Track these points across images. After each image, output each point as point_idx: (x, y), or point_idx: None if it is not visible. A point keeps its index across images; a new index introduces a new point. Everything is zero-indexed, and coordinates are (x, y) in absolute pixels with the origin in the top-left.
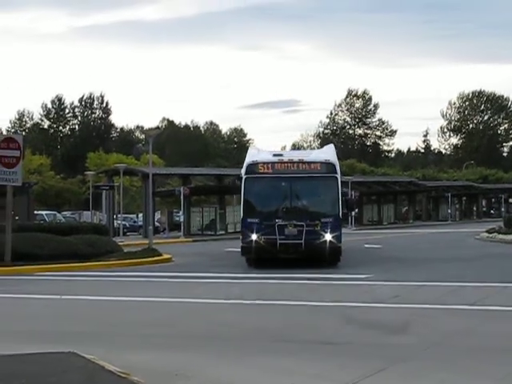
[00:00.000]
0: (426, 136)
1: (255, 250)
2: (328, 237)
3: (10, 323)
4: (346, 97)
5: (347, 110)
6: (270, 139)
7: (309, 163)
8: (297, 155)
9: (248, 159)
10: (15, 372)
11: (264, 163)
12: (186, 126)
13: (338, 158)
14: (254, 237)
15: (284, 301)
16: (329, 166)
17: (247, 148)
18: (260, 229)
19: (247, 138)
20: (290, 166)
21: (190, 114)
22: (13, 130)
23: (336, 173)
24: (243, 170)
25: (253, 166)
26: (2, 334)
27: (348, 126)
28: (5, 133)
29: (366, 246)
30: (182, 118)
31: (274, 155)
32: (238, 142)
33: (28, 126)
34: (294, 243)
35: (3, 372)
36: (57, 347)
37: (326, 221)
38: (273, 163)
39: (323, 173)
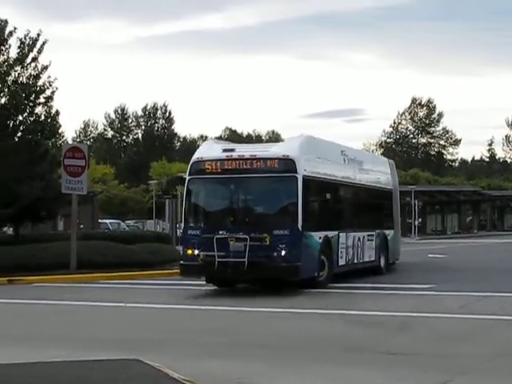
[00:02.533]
0: (490, 145)
1: (195, 270)
2: (280, 254)
3: (76, 330)
4: (410, 105)
5: (410, 118)
6: None
7: (263, 160)
8: (251, 150)
9: (194, 156)
10: (80, 378)
11: (211, 161)
12: (249, 136)
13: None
14: (194, 253)
15: (345, 310)
16: (287, 162)
17: None
18: (201, 243)
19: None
20: (240, 164)
21: (252, 123)
22: (78, 140)
23: (296, 172)
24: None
25: (197, 165)
26: (68, 341)
27: (411, 135)
28: (70, 142)
29: (430, 255)
30: (244, 127)
31: (224, 150)
32: None
33: (92, 135)
34: (235, 262)
35: (68, 378)
36: (121, 354)
37: (279, 233)
38: (221, 161)
39: (279, 172)
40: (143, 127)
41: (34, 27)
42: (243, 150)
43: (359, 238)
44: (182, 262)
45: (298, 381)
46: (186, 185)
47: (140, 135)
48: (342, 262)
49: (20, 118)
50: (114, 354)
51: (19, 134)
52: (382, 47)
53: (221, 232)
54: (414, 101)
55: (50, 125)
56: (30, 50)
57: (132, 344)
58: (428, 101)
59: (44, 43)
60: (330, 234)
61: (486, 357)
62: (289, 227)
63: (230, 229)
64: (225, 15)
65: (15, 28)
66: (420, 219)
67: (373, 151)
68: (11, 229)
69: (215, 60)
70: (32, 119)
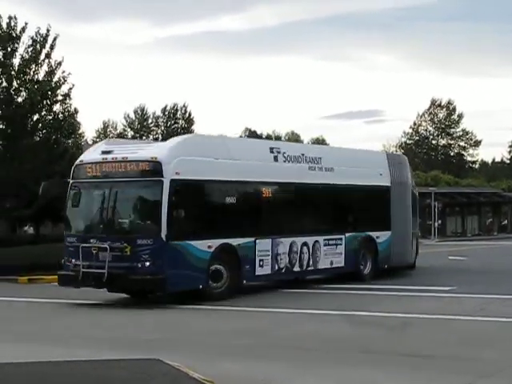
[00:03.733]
0: (511, 146)
1: (67, 280)
2: (144, 266)
3: (95, 330)
4: (430, 107)
5: (430, 120)
6: None
7: (134, 163)
8: (126, 151)
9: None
10: (101, 377)
11: (90, 164)
12: (268, 136)
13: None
14: (68, 262)
15: (364, 311)
16: (155, 165)
17: None
18: (74, 252)
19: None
20: (113, 167)
21: (271, 123)
22: (98, 140)
23: (162, 175)
24: None
25: (78, 168)
26: (90, 341)
27: (431, 137)
28: (90, 142)
29: (450, 257)
30: (263, 128)
31: (103, 152)
32: None
33: (112, 135)
34: (97, 273)
35: (90, 377)
36: (141, 354)
37: (143, 243)
38: (98, 163)
39: (146, 176)
40: (163, 128)
41: (55, 28)
42: (120, 152)
43: (306, 244)
44: (59, 271)
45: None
46: (68, 189)
47: (160, 136)
48: (264, 270)
49: (37, 116)
50: (134, 354)
51: (38, 132)
52: (401, 48)
53: (90, 240)
54: (433, 102)
55: (69, 123)
56: (43, 47)
57: (152, 344)
58: (448, 102)
59: (55, 38)
60: (236, 241)
61: (507, 361)
62: (152, 236)
63: (98, 237)
64: (244, 16)
65: (26, 23)
66: (440, 221)
67: (392, 152)
68: (32, 228)
69: (235, 60)
70: (50, 118)
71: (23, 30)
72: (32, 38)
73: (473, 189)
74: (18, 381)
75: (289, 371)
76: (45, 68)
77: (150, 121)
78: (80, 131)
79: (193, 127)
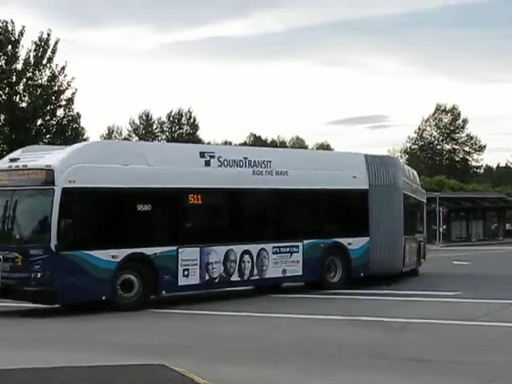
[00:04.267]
0: None
1: None
2: (36, 277)
3: (99, 335)
4: (435, 112)
5: (435, 125)
6: None
7: (32, 171)
8: (29, 159)
9: None
10: (106, 382)
11: (1, 171)
12: (273, 142)
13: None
14: None
15: (369, 316)
16: (48, 173)
17: None
18: None
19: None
20: (16, 175)
21: (276, 129)
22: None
23: (54, 183)
24: None
25: None
26: (93, 346)
27: (436, 142)
28: None
29: (455, 262)
30: (268, 133)
31: (10, 160)
32: None
33: (117, 141)
34: None
35: (95, 382)
36: (146, 359)
37: (33, 253)
38: (5, 171)
39: (40, 184)
40: (168, 133)
41: (61, 34)
42: (24, 159)
43: (248, 252)
44: None
45: None
46: None
47: (165, 141)
48: (190, 280)
49: (40, 121)
50: (138, 359)
51: (42, 137)
52: (406, 54)
53: None
54: (438, 107)
55: (72, 128)
56: (44, 52)
57: (156, 349)
58: (453, 107)
59: (57, 42)
60: (152, 250)
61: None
62: (43, 247)
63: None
64: (249, 22)
65: (23, 27)
66: (445, 226)
67: (397, 158)
68: None
69: (240, 66)
70: (54, 122)
71: (21, 33)
72: (35, 42)
73: (478, 194)
74: None
75: (294, 376)
76: (47, 73)
77: (154, 126)
78: (85, 136)
79: (198, 133)
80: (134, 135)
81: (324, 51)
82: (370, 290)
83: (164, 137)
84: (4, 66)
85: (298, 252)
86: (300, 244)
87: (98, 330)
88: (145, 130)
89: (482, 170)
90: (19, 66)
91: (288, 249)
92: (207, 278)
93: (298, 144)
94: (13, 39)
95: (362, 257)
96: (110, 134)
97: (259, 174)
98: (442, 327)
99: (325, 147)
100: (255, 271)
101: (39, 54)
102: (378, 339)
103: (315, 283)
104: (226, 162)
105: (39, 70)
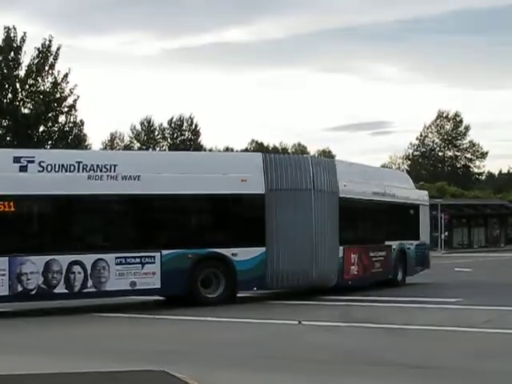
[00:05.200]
0: None
1: None
2: None
3: (101, 341)
4: (436, 118)
5: (437, 131)
6: (359, 161)
7: None
8: None
9: None
10: None
11: None
12: (275, 148)
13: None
14: None
15: (373, 323)
16: None
17: None
18: None
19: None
20: None
21: (278, 135)
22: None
23: None
24: None
25: None
26: (93, 352)
27: (438, 148)
28: None
29: (456, 269)
30: (270, 140)
31: None
32: None
33: (119, 147)
34: None
35: None
36: (146, 366)
37: None
38: None
39: None
40: (169, 139)
41: (63, 41)
42: None
43: (78, 262)
44: None
45: None
46: None
47: (166, 147)
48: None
49: (43, 127)
50: (139, 366)
51: (44, 144)
52: (407, 60)
53: None
54: (440, 114)
55: (75, 134)
56: (46, 58)
57: (156, 355)
58: (455, 114)
59: (58, 49)
60: None
61: None
62: None
63: None
64: (251, 28)
65: (25, 33)
66: (446, 233)
67: (399, 164)
68: None
69: (241, 73)
70: (56, 129)
71: (23, 39)
72: (38, 49)
73: (479, 200)
74: None
75: (296, 382)
76: (50, 79)
77: (156, 133)
78: (87, 143)
79: (199, 139)
80: (135, 141)
81: (326, 58)
82: (371, 296)
83: (166, 143)
84: (6, 71)
85: (153, 263)
86: (156, 254)
87: (97, 337)
88: (146, 136)
89: (483, 177)
90: (22, 73)
91: (138, 259)
92: (20, 289)
93: (300, 150)
94: (15, 45)
95: (254, 269)
96: (112, 140)
97: (97, 179)
98: (442, 334)
99: (326, 154)
100: (90, 283)
101: (41, 61)
102: (379, 346)
103: (184, 298)
104: (49, 167)
105: (42, 77)
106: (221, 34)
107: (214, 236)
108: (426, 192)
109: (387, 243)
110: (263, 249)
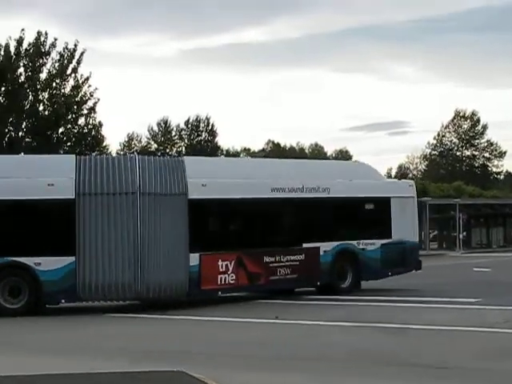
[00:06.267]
0: None
1: None
2: None
3: (119, 341)
4: (454, 118)
5: (454, 131)
6: (376, 161)
7: None
8: None
9: None
10: None
11: None
12: (292, 148)
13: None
14: None
15: (386, 323)
16: None
17: None
18: None
19: (353, 159)
20: None
21: (295, 136)
22: (122, 153)
23: None
24: None
25: None
26: (112, 353)
27: (455, 148)
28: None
29: (475, 269)
30: (287, 140)
31: None
32: None
33: (136, 148)
34: None
35: None
36: (164, 366)
37: None
38: None
39: None
40: (186, 140)
41: (81, 43)
42: None
43: None
44: None
45: None
46: None
47: (183, 148)
48: None
49: (61, 129)
50: (157, 366)
51: (63, 145)
52: (425, 59)
53: None
54: (457, 113)
55: (94, 136)
56: (70, 62)
57: (174, 355)
58: (472, 113)
59: (82, 54)
60: None
61: None
62: None
63: None
64: (267, 28)
65: (55, 39)
66: (465, 233)
67: (417, 164)
68: None
69: (258, 73)
70: (75, 131)
71: (53, 45)
72: (60, 53)
73: (498, 200)
74: None
75: (311, 382)
76: (71, 82)
77: (173, 133)
78: (104, 144)
79: (216, 140)
80: (152, 142)
81: (343, 57)
82: (390, 296)
83: (183, 144)
84: (30, 74)
85: None
86: None
87: (114, 337)
88: (163, 137)
89: (502, 176)
90: (43, 76)
91: None
92: None
93: (317, 151)
94: (43, 50)
95: (62, 280)
96: (129, 141)
97: None
98: (461, 334)
99: (343, 154)
100: None
101: (64, 64)
102: (394, 346)
103: None
104: None
105: (63, 80)
106: (237, 34)
107: (15, 244)
108: (407, 183)
109: (308, 245)
110: (72, 258)
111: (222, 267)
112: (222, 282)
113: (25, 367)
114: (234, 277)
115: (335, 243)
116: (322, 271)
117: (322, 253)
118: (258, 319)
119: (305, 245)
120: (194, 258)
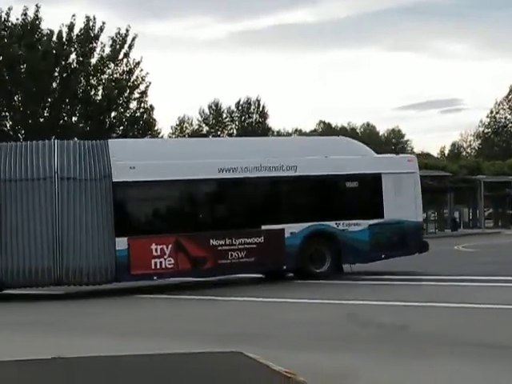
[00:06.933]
0: None
1: None
2: None
3: (173, 323)
4: (508, 94)
5: (509, 107)
6: (429, 139)
7: None
8: None
9: None
10: (182, 370)
11: None
12: (343, 128)
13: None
14: None
15: (447, 303)
16: None
17: (405, 149)
18: None
19: (405, 138)
20: None
21: (346, 116)
22: (174, 136)
23: None
24: None
25: None
26: (167, 334)
27: (510, 125)
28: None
29: None
30: (338, 120)
31: None
32: (395, 144)
33: (188, 131)
34: None
35: (169, 369)
36: (223, 347)
37: None
38: None
39: None
40: (237, 122)
41: (128, 26)
42: None
43: None
44: None
45: (407, 375)
46: None
47: (235, 130)
48: None
49: (114, 113)
50: (214, 347)
51: (115, 129)
52: (477, 36)
53: None
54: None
55: (146, 120)
56: (121, 47)
57: (229, 337)
58: None
59: (134, 39)
60: None
61: None
62: None
63: None
64: (315, 9)
65: (104, 23)
66: None
67: (470, 142)
68: None
69: (307, 53)
70: (127, 115)
71: (101, 29)
72: (112, 38)
73: None
74: (112, 374)
75: (373, 363)
76: (123, 67)
77: (224, 116)
78: (156, 128)
79: (267, 121)
80: (204, 125)
81: (393, 36)
82: (448, 275)
83: (234, 126)
84: (82, 59)
85: None
86: None
87: (172, 318)
88: (214, 119)
89: None
90: (94, 61)
91: None
92: None
93: (369, 130)
94: (92, 35)
95: None
96: (180, 124)
97: None
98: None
99: (396, 133)
100: None
101: (116, 49)
102: (454, 325)
103: None
104: None
105: (115, 65)
106: (285, 15)
107: None
108: (406, 158)
109: (268, 227)
110: None
111: (156, 251)
112: (158, 267)
113: (98, 349)
114: (173, 261)
115: (305, 224)
116: (288, 255)
117: (288, 235)
118: (314, 300)
119: (264, 227)
120: (122, 243)
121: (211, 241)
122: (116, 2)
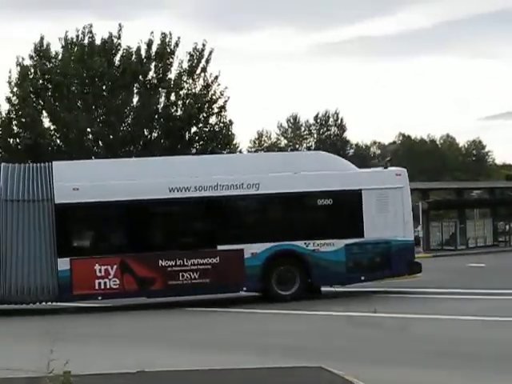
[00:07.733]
0: None
1: None
2: None
3: (253, 337)
4: None
5: None
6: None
7: None
8: None
9: None
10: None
11: None
12: (422, 140)
13: None
14: None
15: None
16: None
17: (486, 161)
18: None
19: (486, 150)
20: None
21: (425, 127)
22: (253, 150)
23: None
24: None
25: None
26: (247, 348)
27: None
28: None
29: None
30: (417, 132)
31: None
32: (476, 155)
33: (266, 145)
34: None
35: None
36: (303, 362)
37: None
38: None
39: None
40: (315, 135)
41: (205, 41)
42: None
43: None
44: None
45: None
46: None
47: (313, 144)
48: None
49: (194, 128)
50: (295, 362)
51: (195, 144)
52: None
53: None
54: None
55: (224, 134)
56: (199, 61)
57: (310, 351)
58: None
59: (211, 53)
60: None
61: None
62: None
63: None
64: (393, 19)
65: (179, 38)
66: None
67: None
68: None
69: (386, 64)
70: (207, 130)
71: (177, 44)
72: (189, 53)
73: None
74: None
75: (453, 378)
76: (201, 82)
77: (302, 129)
78: (234, 142)
79: (345, 134)
80: (282, 138)
81: (473, 44)
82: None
83: (312, 139)
84: (161, 75)
85: None
86: None
87: (247, 333)
88: (293, 133)
89: None
90: (172, 76)
91: None
92: None
93: (449, 142)
94: (168, 50)
95: None
96: (259, 138)
97: None
98: None
99: (476, 144)
100: None
101: (193, 64)
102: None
103: None
104: None
105: (193, 80)
106: (363, 26)
107: None
108: (394, 172)
109: (224, 247)
110: None
111: (100, 271)
112: (102, 287)
113: (180, 363)
114: (118, 281)
115: (268, 244)
116: (248, 276)
117: (248, 255)
118: (388, 314)
119: (220, 247)
120: (64, 263)
121: (160, 261)
122: (192, 16)
